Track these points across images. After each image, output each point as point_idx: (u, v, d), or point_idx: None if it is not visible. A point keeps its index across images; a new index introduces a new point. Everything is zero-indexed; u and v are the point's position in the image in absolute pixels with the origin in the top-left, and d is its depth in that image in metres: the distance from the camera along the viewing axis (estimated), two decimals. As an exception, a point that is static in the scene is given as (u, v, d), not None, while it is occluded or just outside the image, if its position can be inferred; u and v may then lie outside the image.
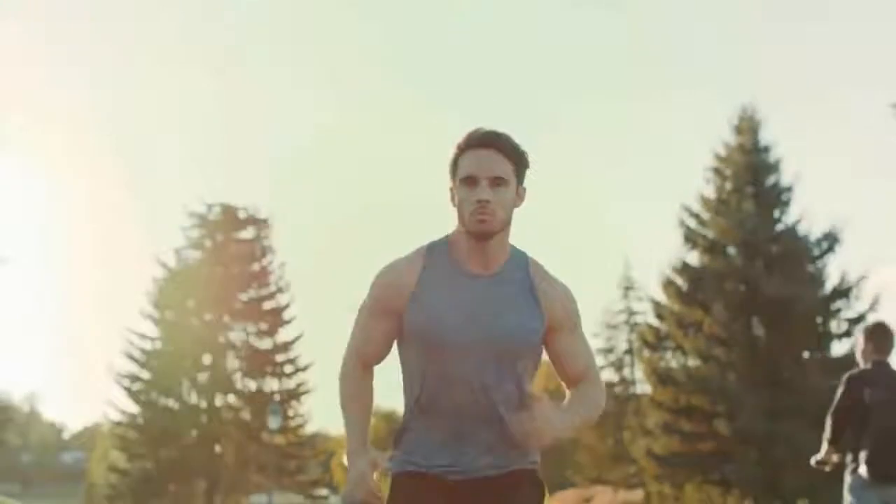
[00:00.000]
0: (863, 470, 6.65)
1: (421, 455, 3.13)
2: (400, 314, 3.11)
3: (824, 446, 6.94)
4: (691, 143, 70.92)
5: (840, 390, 6.86)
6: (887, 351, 6.90)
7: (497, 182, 3.04)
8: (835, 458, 6.91)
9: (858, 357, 7.02)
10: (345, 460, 3.12)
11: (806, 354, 30.33)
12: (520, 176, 3.12)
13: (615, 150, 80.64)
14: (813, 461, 7.05)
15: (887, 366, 6.87)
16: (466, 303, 3.06)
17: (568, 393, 3.23)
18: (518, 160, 3.10)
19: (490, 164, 3.05)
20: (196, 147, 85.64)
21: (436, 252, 3.14)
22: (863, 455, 6.66)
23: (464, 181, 3.06)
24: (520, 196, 3.13)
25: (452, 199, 3.14)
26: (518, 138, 3.14)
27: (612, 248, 76.27)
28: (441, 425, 3.10)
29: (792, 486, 28.51)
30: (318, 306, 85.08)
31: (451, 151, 3.17)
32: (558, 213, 73.90)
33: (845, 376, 6.92)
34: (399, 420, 3.36)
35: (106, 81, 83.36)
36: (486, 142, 3.07)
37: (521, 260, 3.16)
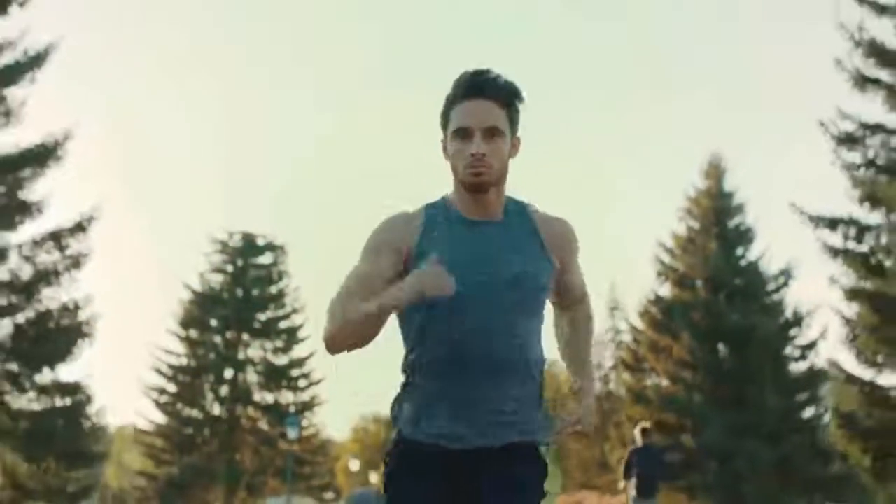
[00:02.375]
0: None
1: (423, 423, 3.05)
2: (403, 258, 3.04)
3: None
4: (690, 149, 75.71)
5: None
6: None
7: (491, 133, 2.99)
8: None
9: None
10: (385, 302, 2.92)
11: (764, 377, 35.58)
12: (514, 123, 3.07)
13: (613, 158, 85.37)
14: None
15: None
16: (472, 248, 3.02)
17: (561, 318, 3.37)
18: (512, 106, 3.05)
19: (484, 115, 2.99)
20: (216, 174, 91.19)
21: (435, 207, 3.12)
22: None
23: (456, 133, 3.01)
24: (515, 146, 3.09)
25: (445, 151, 3.09)
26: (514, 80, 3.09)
27: (606, 256, 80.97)
28: (446, 387, 3.01)
29: (750, 495, 33.80)
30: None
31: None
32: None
33: None
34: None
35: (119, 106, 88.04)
36: (478, 90, 3.01)
37: (519, 205, 3.15)
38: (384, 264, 3.01)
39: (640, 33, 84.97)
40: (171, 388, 42.65)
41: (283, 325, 43.90)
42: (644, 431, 14.93)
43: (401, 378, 3.16)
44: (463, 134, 3.00)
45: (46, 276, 21.66)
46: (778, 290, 36.16)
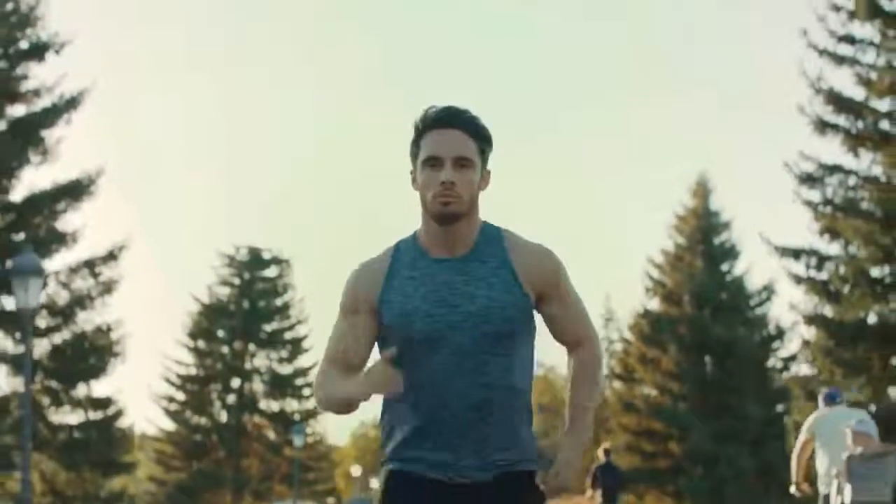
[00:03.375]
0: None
1: (411, 457, 3.07)
2: (373, 310, 3.07)
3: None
4: (689, 150, 78.00)
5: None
6: None
7: (462, 163, 2.99)
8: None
9: None
10: (345, 392, 2.95)
11: (746, 387, 38.15)
12: (484, 157, 3.07)
13: (612, 160, 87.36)
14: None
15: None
16: (436, 289, 3.02)
17: (569, 360, 3.22)
18: (482, 140, 3.05)
19: (454, 145, 3.00)
20: (217, 186, 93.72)
21: (403, 246, 3.11)
22: None
23: (426, 163, 3.01)
24: (485, 179, 3.09)
25: (414, 182, 3.09)
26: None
27: (603, 266, 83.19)
28: (425, 426, 3.04)
29: (733, 498, 36.38)
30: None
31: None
32: (552, 228, 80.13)
33: None
34: None
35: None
36: (448, 121, 3.03)
37: (493, 235, 3.11)
38: (360, 322, 3.07)
39: (639, 34, 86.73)
40: (181, 396, 45.00)
41: (288, 335, 46.35)
42: (606, 451, 18.21)
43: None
44: (433, 163, 3.00)
45: (81, 301, 24.26)
46: (761, 304, 38.77)
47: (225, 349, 45.71)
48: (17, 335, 23.19)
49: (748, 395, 37.84)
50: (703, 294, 38.02)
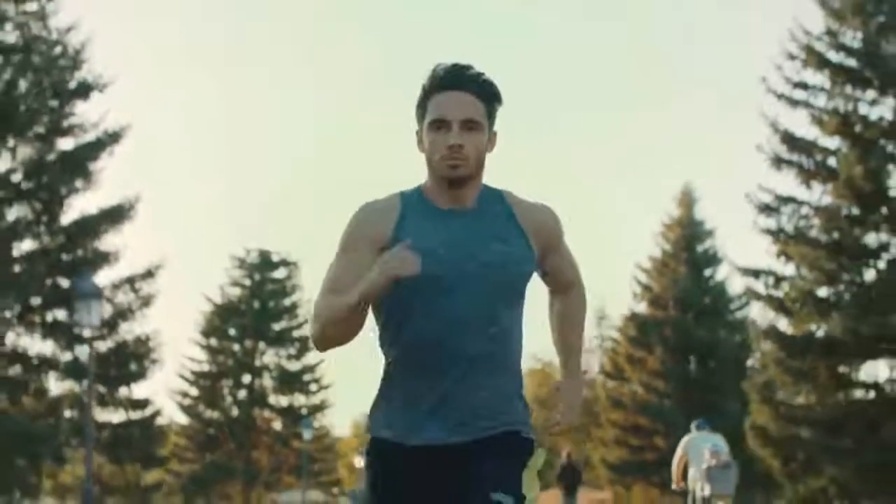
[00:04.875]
0: None
1: (402, 423, 3.09)
2: (380, 249, 3.05)
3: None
4: (688, 149, 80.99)
5: None
6: None
7: (469, 126, 3.02)
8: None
9: None
10: (357, 293, 2.95)
11: (727, 386, 42.13)
12: (492, 118, 3.10)
13: (610, 161, 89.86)
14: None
15: None
16: (450, 237, 3.05)
17: (554, 301, 3.37)
18: (490, 101, 3.09)
19: (462, 107, 3.03)
20: (219, 187, 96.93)
21: (410, 195, 3.14)
22: None
23: (433, 125, 3.04)
24: (492, 141, 3.11)
25: (420, 144, 3.12)
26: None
27: (597, 265, 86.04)
28: (424, 382, 3.05)
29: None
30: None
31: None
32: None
33: None
34: None
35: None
36: (456, 82, 3.06)
37: (495, 193, 3.17)
38: (362, 261, 3.04)
39: (639, 34, 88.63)
40: (194, 391, 48.49)
41: (296, 333, 49.64)
42: (568, 454, 22.99)
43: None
44: (440, 125, 3.02)
45: (123, 314, 28.31)
46: (741, 308, 42.72)
47: (236, 347, 48.99)
48: (63, 343, 27.23)
49: (728, 393, 41.63)
50: (687, 299, 41.94)
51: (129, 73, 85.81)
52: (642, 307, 43.52)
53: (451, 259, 3.03)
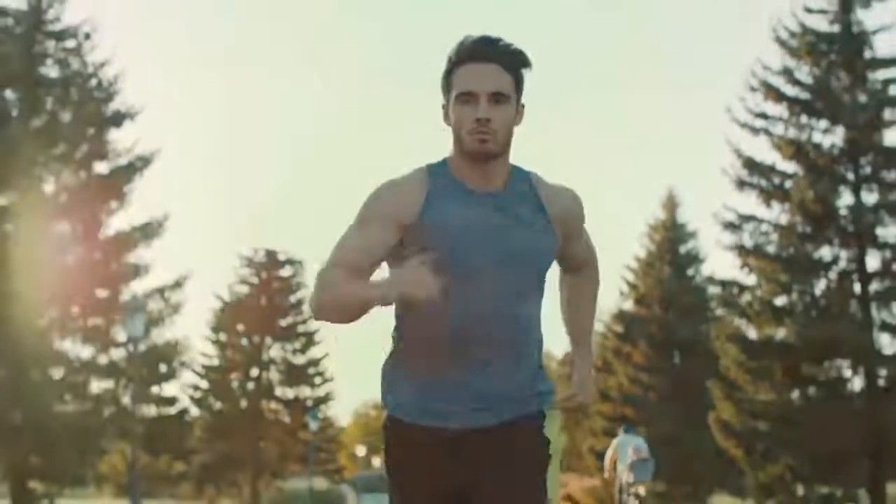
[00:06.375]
0: None
1: (421, 406, 3.12)
2: (400, 228, 3.06)
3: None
4: (684, 144, 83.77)
5: None
6: None
7: (497, 98, 3.03)
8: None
9: None
10: (369, 295, 2.98)
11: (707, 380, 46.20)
12: (520, 90, 3.11)
13: (610, 150, 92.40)
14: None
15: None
16: (479, 222, 3.05)
17: (565, 278, 3.46)
18: (518, 72, 3.10)
19: (489, 79, 3.03)
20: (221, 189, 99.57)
21: (437, 172, 3.12)
22: None
23: (459, 98, 3.05)
24: (520, 114, 3.13)
25: (446, 117, 3.13)
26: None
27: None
28: (442, 365, 3.07)
29: (698, 473, 44.52)
30: (342, 330, 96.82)
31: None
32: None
33: None
34: None
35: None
36: (484, 54, 3.05)
37: (522, 174, 3.18)
38: (378, 238, 3.04)
39: (639, 28, 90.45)
40: (204, 384, 51.43)
41: (301, 329, 52.67)
42: None
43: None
44: (467, 98, 3.03)
45: (154, 321, 32.39)
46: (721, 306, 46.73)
47: (244, 342, 51.91)
48: (99, 347, 31.35)
49: (709, 387, 45.70)
50: (670, 298, 46.03)
51: (132, 73, 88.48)
52: (629, 305, 47.64)
53: (477, 245, 3.05)
